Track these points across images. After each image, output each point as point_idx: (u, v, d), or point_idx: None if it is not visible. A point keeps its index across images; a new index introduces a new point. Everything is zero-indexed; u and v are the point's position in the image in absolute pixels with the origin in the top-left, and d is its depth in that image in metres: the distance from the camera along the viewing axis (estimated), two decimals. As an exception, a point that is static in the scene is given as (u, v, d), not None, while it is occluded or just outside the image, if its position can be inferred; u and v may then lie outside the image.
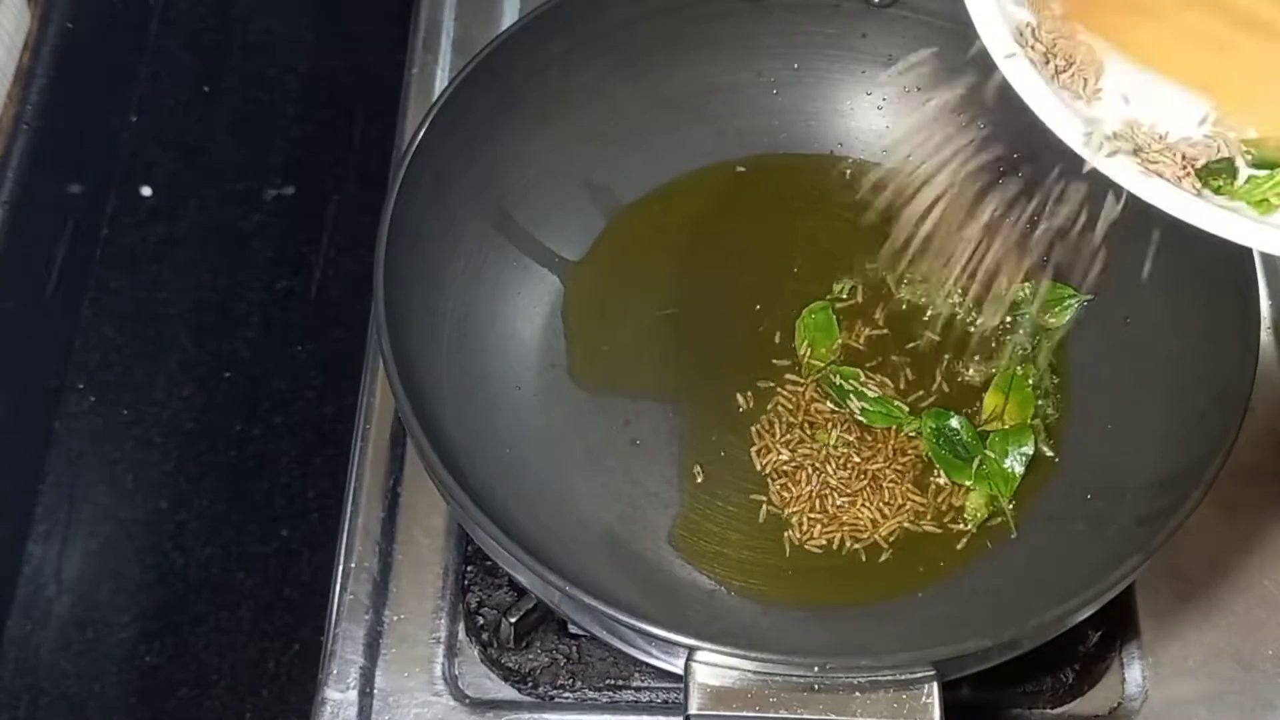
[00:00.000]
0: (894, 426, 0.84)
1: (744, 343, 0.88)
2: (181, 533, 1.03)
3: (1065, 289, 0.88)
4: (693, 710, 0.68)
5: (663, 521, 0.82)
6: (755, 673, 0.68)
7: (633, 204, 0.92)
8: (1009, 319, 0.87)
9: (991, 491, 0.82)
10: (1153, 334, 0.83)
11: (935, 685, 0.68)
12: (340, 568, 0.85)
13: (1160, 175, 0.63)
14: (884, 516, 0.82)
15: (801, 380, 0.86)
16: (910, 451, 0.84)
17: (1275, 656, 0.84)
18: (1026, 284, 0.88)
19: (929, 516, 0.82)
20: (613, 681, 0.82)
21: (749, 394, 0.86)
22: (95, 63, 1.14)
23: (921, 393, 0.85)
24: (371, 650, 0.83)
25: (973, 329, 0.88)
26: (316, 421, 1.07)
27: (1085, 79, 0.66)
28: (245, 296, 1.12)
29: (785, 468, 0.83)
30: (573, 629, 0.83)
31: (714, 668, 0.68)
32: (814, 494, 0.82)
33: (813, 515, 0.82)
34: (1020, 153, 0.87)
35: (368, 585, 0.85)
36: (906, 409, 0.84)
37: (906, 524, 0.82)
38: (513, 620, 0.81)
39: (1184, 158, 0.63)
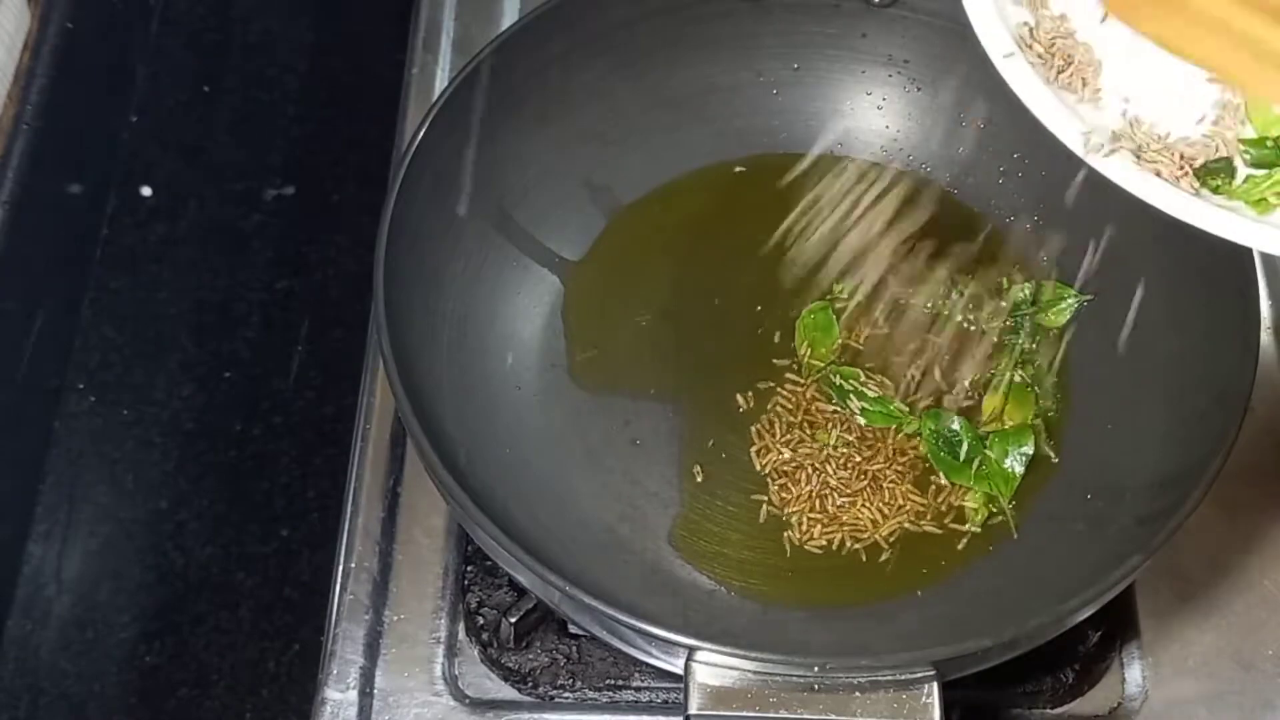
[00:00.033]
0: (894, 427, 0.84)
1: (744, 343, 0.88)
2: (181, 533, 1.03)
3: (1065, 289, 0.88)
4: (693, 710, 0.68)
5: (663, 521, 0.82)
6: (755, 673, 0.68)
7: (633, 204, 0.92)
8: (1009, 319, 0.87)
9: (991, 492, 0.82)
10: (1153, 334, 0.83)
11: (935, 685, 0.68)
12: (340, 568, 0.85)
13: (1158, 174, 0.63)
14: (884, 517, 0.82)
15: (801, 380, 0.86)
16: (910, 452, 0.84)
17: (1275, 656, 0.84)
18: (1027, 284, 0.88)
19: (929, 517, 0.82)
20: (613, 681, 0.82)
21: (749, 394, 0.86)
22: (95, 63, 1.14)
23: (921, 393, 0.85)
24: (371, 650, 0.83)
25: (973, 329, 0.88)
26: (316, 421, 1.07)
27: (1083, 78, 0.66)
28: (245, 296, 1.12)
29: (785, 468, 0.83)
30: (573, 629, 0.83)
31: (714, 668, 0.68)
32: (814, 494, 0.82)
33: (813, 515, 0.82)
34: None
35: (368, 585, 0.85)
36: (906, 409, 0.85)
37: (907, 525, 0.82)
38: (513, 620, 0.81)
39: (1182, 157, 0.63)
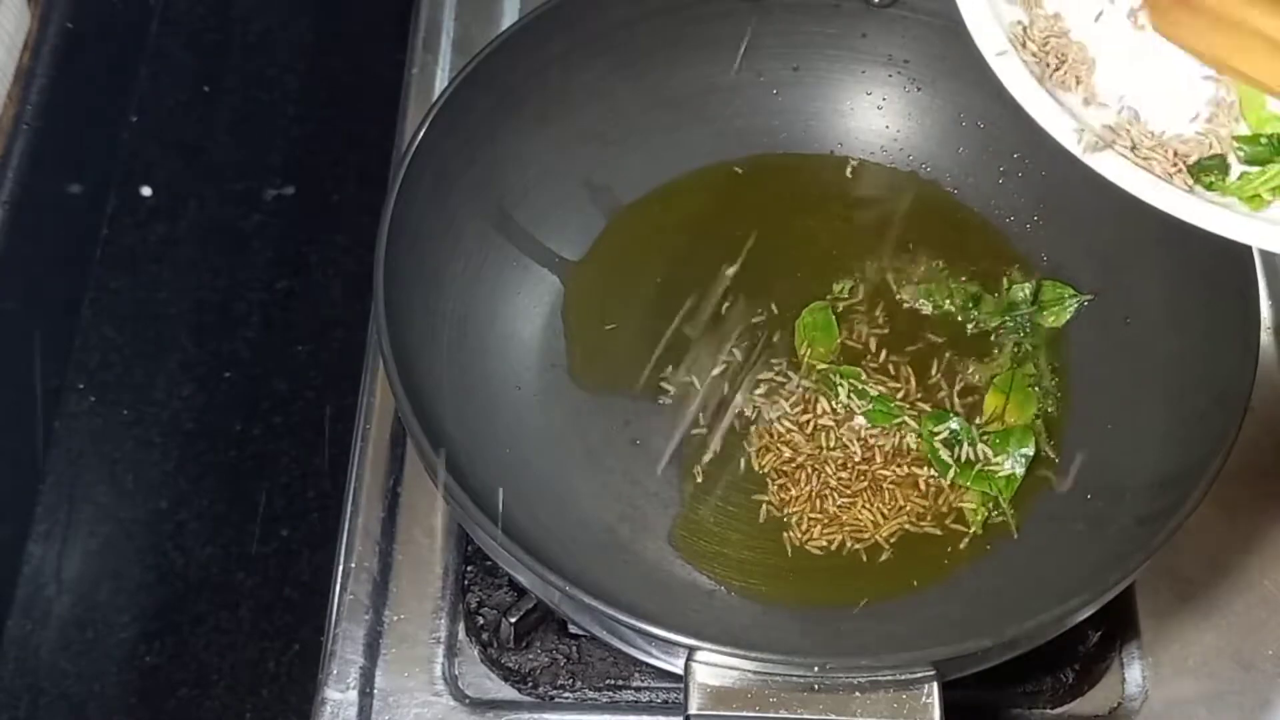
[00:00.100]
0: (894, 427, 0.84)
1: (744, 342, 0.88)
2: (181, 533, 1.03)
3: (1065, 289, 0.88)
4: (693, 710, 0.68)
5: (663, 521, 0.82)
6: (755, 673, 0.68)
7: (633, 204, 0.92)
8: (1009, 319, 0.87)
9: (992, 492, 0.82)
10: (1153, 334, 0.83)
11: (935, 685, 0.68)
12: (340, 568, 0.85)
13: (1152, 171, 0.63)
14: (884, 518, 0.82)
15: (802, 380, 0.86)
16: (910, 452, 0.84)
17: (1275, 656, 0.84)
18: (1027, 284, 0.88)
19: (929, 518, 0.82)
20: (613, 681, 0.82)
21: (749, 394, 0.86)
22: (95, 63, 1.14)
23: (922, 393, 0.85)
24: (371, 650, 0.83)
25: (973, 329, 0.88)
26: (316, 421, 1.07)
27: (1077, 76, 0.66)
28: (245, 296, 1.12)
29: (785, 468, 0.83)
30: (573, 629, 0.83)
31: (714, 668, 0.68)
32: (814, 494, 0.82)
33: (813, 516, 0.82)
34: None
35: (368, 585, 0.85)
36: (906, 409, 0.84)
37: (908, 526, 0.82)
38: (513, 620, 0.81)
39: (1176, 154, 0.64)
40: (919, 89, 0.92)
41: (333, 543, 0.87)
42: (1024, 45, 0.66)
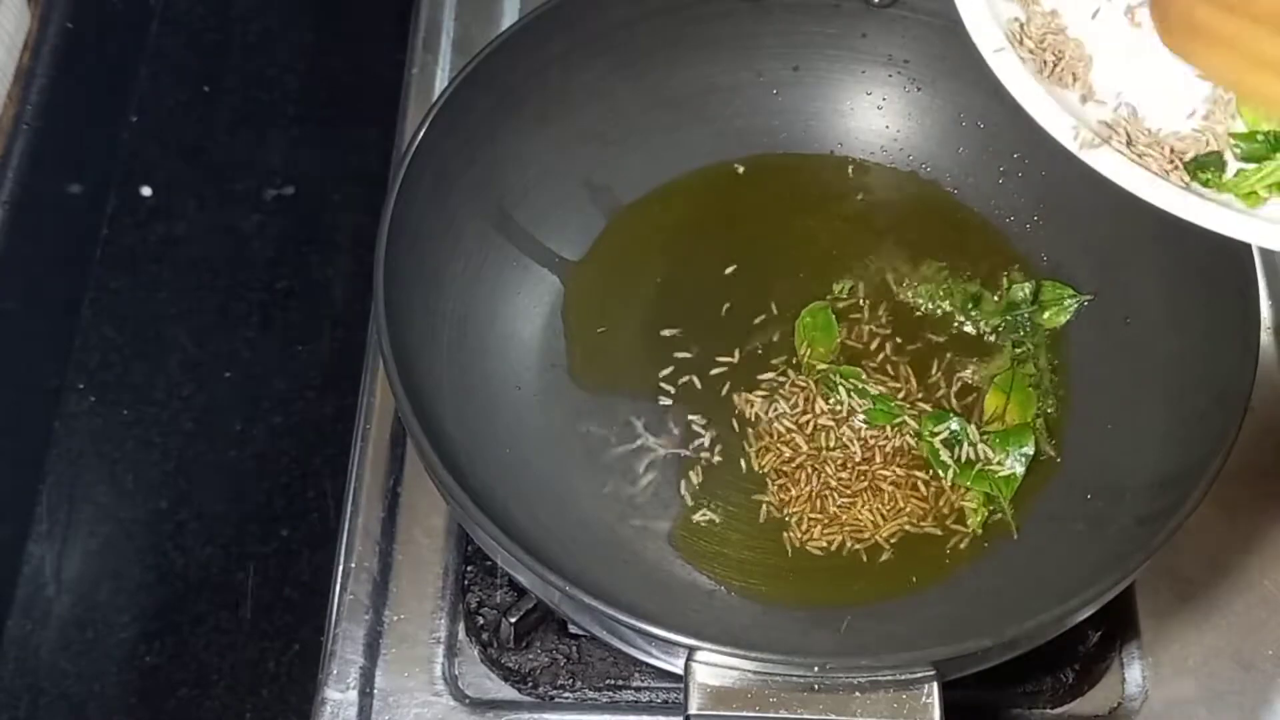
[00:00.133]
0: (894, 427, 0.84)
1: (744, 342, 0.88)
2: (181, 533, 1.03)
3: (1065, 289, 0.88)
4: (693, 710, 0.68)
5: (663, 521, 0.82)
6: (755, 673, 0.68)
7: (633, 204, 0.92)
8: (1009, 319, 0.87)
9: (992, 492, 0.82)
10: (1153, 334, 0.83)
11: (935, 685, 0.68)
12: (340, 568, 0.85)
13: (1148, 168, 0.63)
14: (884, 518, 0.82)
15: (801, 380, 0.86)
16: (910, 452, 0.84)
17: (1275, 656, 0.84)
18: (1027, 284, 0.88)
19: (930, 518, 0.82)
20: (613, 681, 0.82)
21: (749, 394, 0.86)
22: (95, 63, 1.14)
23: (922, 393, 0.85)
24: (371, 650, 0.83)
25: (973, 329, 0.88)
26: (316, 421, 1.07)
27: (1074, 74, 0.66)
28: (245, 296, 1.12)
29: (785, 468, 0.83)
30: (573, 629, 0.83)
31: (714, 668, 0.68)
32: (814, 494, 0.82)
33: (813, 516, 0.82)
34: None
35: (368, 585, 0.85)
36: (906, 409, 0.84)
37: (908, 526, 0.82)
38: (513, 620, 0.81)
39: (1172, 151, 0.64)
40: (919, 89, 0.92)
41: (333, 543, 0.87)
42: (1021, 42, 0.66)
